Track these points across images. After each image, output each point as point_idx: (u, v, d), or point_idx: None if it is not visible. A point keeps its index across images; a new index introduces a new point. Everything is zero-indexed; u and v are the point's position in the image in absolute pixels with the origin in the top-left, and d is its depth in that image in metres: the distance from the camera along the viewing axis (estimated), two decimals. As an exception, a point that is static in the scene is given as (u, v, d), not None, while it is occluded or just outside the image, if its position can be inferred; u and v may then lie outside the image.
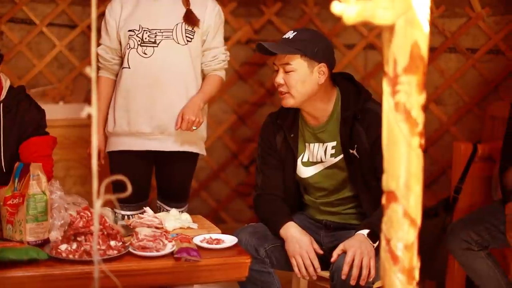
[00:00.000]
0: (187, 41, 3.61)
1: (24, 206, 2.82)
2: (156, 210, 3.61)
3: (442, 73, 5.10)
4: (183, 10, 3.62)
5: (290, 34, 3.22)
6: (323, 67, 3.20)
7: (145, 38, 3.59)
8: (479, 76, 5.06)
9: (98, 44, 3.74)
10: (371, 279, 3.00)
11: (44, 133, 3.48)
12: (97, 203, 1.48)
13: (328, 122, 3.28)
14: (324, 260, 3.26)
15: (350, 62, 5.23)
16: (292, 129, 3.34)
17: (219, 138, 5.41)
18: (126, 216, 3.65)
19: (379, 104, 3.21)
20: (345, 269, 2.96)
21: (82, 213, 2.77)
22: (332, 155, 3.28)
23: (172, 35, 3.59)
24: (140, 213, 3.40)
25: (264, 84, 5.35)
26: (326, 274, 3.23)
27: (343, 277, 2.96)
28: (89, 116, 1.44)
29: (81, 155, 4.43)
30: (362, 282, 2.97)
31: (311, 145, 3.32)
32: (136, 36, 3.59)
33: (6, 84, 3.42)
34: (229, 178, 5.47)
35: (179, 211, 3.49)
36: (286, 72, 3.19)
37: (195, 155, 3.79)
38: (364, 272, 2.96)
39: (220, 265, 2.87)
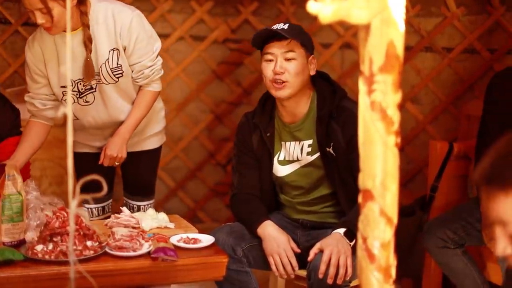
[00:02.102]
0: (118, 77, 3.46)
1: (0, 207, 2.80)
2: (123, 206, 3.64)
3: (418, 72, 5.12)
4: (98, 50, 3.43)
5: (283, 25, 3.21)
6: (313, 59, 3.25)
7: (81, 89, 3.47)
8: (454, 75, 5.09)
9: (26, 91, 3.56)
10: (348, 278, 3.02)
11: (19, 133, 3.46)
12: (73, 203, 1.48)
13: (304, 121, 3.28)
14: (301, 259, 3.27)
15: (327, 61, 5.24)
16: (268, 128, 3.34)
17: (196, 138, 5.40)
18: (90, 209, 3.70)
19: (354, 102, 3.22)
20: (322, 268, 2.97)
21: (58, 214, 2.76)
22: (308, 153, 3.29)
23: (101, 79, 3.45)
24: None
25: (241, 83, 5.35)
26: (303, 273, 3.23)
27: (320, 276, 2.97)
28: (65, 116, 1.43)
29: (57, 155, 4.41)
30: (339, 281, 2.98)
31: (287, 143, 3.33)
32: (72, 91, 3.46)
33: None
34: (206, 178, 5.46)
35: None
36: (288, 59, 3.19)
37: (156, 149, 3.82)
38: (341, 271, 2.97)
39: (197, 265, 2.87)
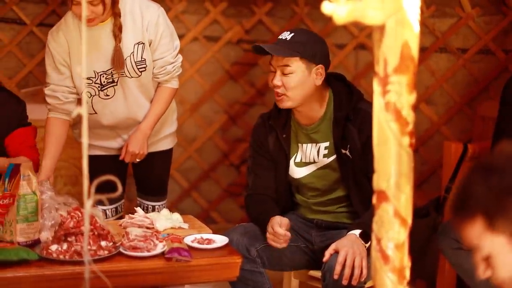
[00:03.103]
0: (141, 71, 3.50)
1: (15, 207, 2.81)
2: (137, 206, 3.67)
3: (433, 73, 5.10)
4: (124, 43, 3.46)
5: (287, 35, 3.20)
6: (320, 68, 3.20)
7: (104, 82, 3.49)
8: (469, 76, 5.07)
9: (46, 83, 3.55)
10: (363, 279, 3.01)
11: (27, 124, 3.49)
12: (88, 203, 1.48)
13: (321, 123, 3.28)
14: (316, 260, 3.27)
15: (341, 62, 5.23)
16: (285, 129, 3.34)
17: (210, 138, 5.40)
18: (104, 210, 3.72)
19: (371, 104, 3.20)
20: (337, 269, 2.96)
21: (72, 214, 2.77)
22: (325, 156, 3.28)
23: (124, 72, 3.48)
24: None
25: (255, 84, 5.35)
26: (318, 274, 3.23)
27: (335, 277, 2.96)
28: (80, 117, 1.44)
29: (72, 155, 4.42)
30: (354, 282, 2.97)
31: (304, 145, 3.32)
32: (94, 83, 3.49)
33: None
34: (219, 178, 5.46)
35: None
36: (285, 74, 3.18)
37: (169, 150, 3.84)
38: (356, 272, 2.96)
39: (211, 265, 2.87)
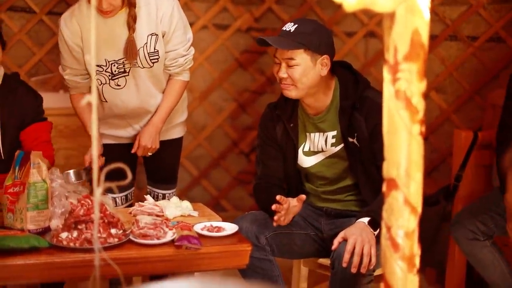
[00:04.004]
0: (153, 62, 3.50)
1: (25, 194, 2.82)
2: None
3: (443, 61, 5.09)
4: (137, 34, 3.46)
5: (290, 27, 3.19)
6: (325, 59, 3.20)
7: (115, 71, 3.50)
8: (479, 64, 5.05)
9: (62, 66, 3.58)
10: (372, 267, 3.01)
11: (43, 119, 3.49)
12: (98, 191, 1.48)
13: (327, 112, 3.28)
14: (325, 248, 3.27)
15: (351, 50, 5.22)
16: (292, 119, 3.34)
17: (220, 126, 5.41)
18: (114, 198, 3.74)
19: (377, 92, 3.21)
20: (346, 257, 2.97)
21: (82, 201, 2.78)
22: (332, 145, 3.28)
23: (136, 63, 3.49)
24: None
25: (264, 72, 5.35)
26: (327, 262, 3.23)
27: (344, 264, 2.97)
28: (89, 105, 1.44)
29: (81, 143, 4.43)
30: (363, 270, 2.98)
31: (312, 134, 3.32)
32: (105, 71, 3.50)
33: (0, 72, 3.42)
34: (229, 166, 5.47)
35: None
36: (290, 66, 3.18)
37: (179, 139, 3.85)
38: (365, 260, 2.97)
39: (221, 253, 2.87)
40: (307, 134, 3.34)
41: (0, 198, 2.98)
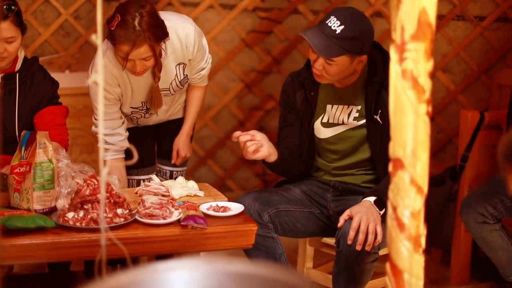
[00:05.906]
0: (183, 85, 3.63)
1: (31, 174, 2.83)
2: (156, 173, 3.84)
3: (450, 41, 5.07)
4: (167, 69, 3.51)
5: (336, 27, 3.09)
6: (363, 58, 3.18)
7: (149, 106, 3.60)
8: (486, 44, 5.03)
9: (96, 119, 3.61)
10: (377, 244, 3.02)
11: (58, 103, 3.50)
12: (104, 171, 1.49)
13: (354, 86, 3.27)
14: (330, 227, 3.28)
15: (357, 30, 5.20)
16: (313, 87, 3.33)
17: (226, 107, 5.40)
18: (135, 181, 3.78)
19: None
20: (351, 234, 2.98)
21: (88, 181, 2.78)
22: (355, 119, 3.28)
23: (169, 92, 3.59)
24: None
25: (270, 52, 5.33)
26: (332, 240, 3.24)
27: (349, 242, 2.98)
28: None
29: (88, 123, 4.43)
30: (367, 248, 2.99)
31: (334, 106, 3.31)
32: (141, 110, 3.62)
33: (21, 55, 3.43)
34: (235, 147, 5.45)
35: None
36: (327, 63, 3.13)
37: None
38: (370, 238, 2.98)
39: (227, 233, 2.88)
40: (329, 105, 3.32)
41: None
